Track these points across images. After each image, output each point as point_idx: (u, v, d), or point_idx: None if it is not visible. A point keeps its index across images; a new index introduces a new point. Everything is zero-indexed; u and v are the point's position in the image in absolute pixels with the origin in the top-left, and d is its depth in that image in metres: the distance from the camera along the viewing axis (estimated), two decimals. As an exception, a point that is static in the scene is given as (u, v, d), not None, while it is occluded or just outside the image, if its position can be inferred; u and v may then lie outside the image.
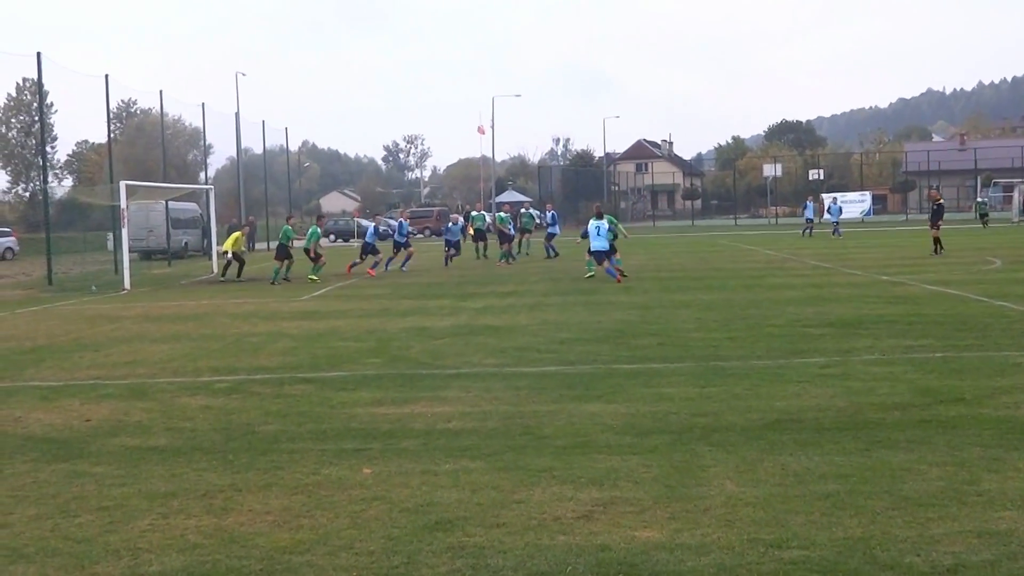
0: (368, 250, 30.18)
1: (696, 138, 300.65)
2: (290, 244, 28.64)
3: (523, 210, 41.63)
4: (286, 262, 28.10)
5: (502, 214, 36.68)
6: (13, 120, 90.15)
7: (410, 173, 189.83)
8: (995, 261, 27.12)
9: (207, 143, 56.53)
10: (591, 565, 5.17)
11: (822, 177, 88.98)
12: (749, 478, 6.65)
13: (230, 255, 29.66)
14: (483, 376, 10.97)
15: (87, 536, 5.90)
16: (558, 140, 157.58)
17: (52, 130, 79.13)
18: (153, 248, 47.11)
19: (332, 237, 66.40)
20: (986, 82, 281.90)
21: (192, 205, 51.58)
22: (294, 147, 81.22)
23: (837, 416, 8.40)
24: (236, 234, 30.57)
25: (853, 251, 34.91)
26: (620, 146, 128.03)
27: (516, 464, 7.18)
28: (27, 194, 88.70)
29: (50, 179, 54.39)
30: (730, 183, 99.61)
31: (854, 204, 75.05)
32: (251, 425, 8.84)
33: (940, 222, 31.05)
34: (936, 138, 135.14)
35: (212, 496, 6.65)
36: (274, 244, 51.06)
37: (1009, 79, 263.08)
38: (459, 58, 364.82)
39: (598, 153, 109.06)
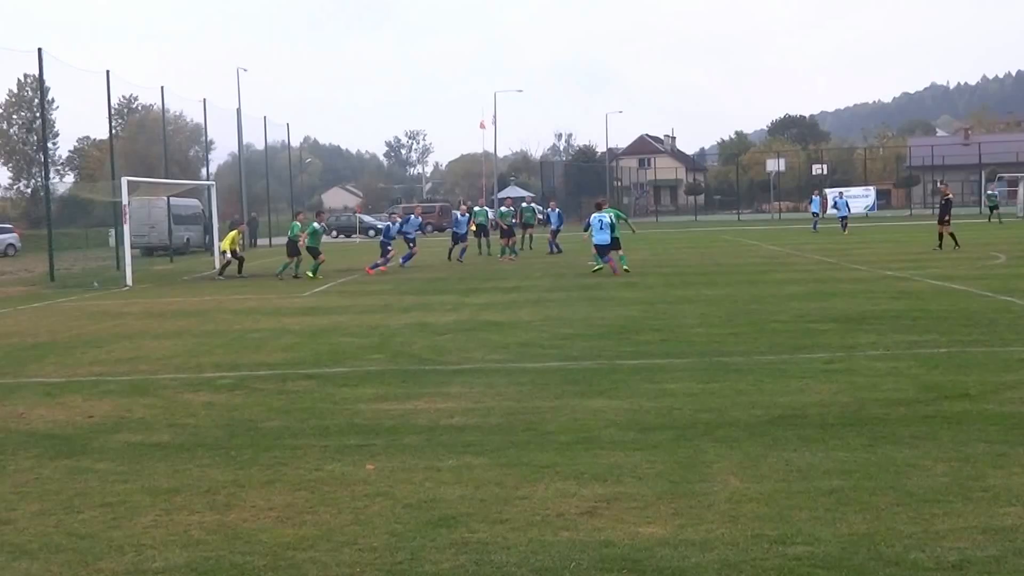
0: (386, 248, 29.80)
1: (699, 133, 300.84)
2: (300, 241, 28.38)
3: (524, 204, 41.54)
4: (296, 258, 28.01)
5: (503, 209, 36.65)
6: (15, 116, 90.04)
7: (412, 169, 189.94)
8: (1000, 256, 27.07)
9: (209, 139, 56.63)
10: (594, 561, 5.16)
11: (825, 172, 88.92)
12: (753, 474, 6.63)
13: (228, 254, 29.62)
14: (486, 372, 10.96)
15: (90, 532, 5.90)
16: (560, 135, 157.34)
17: (54, 126, 79.15)
18: (155, 244, 47.15)
19: (335, 233, 66.41)
20: (990, 76, 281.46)
21: (194, 201, 51.58)
22: (296, 143, 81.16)
23: (841, 412, 8.39)
24: (233, 232, 30.54)
25: (857, 246, 34.87)
26: (623, 141, 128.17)
27: (519, 460, 7.17)
28: (29, 190, 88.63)
29: (52, 175, 54.46)
30: (733, 178, 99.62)
31: (858, 199, 74.92)
32: (254, 421, 8.84)
33: (948, 217, 30.78)
34: (940, 133, 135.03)
35: (215, 492, 6.64)
36: (276, 240, 50.92)
37: (1013, 73, 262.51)
38: (461, 53, 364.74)
39: (600, 148, 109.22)
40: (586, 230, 25.77)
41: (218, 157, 72.40)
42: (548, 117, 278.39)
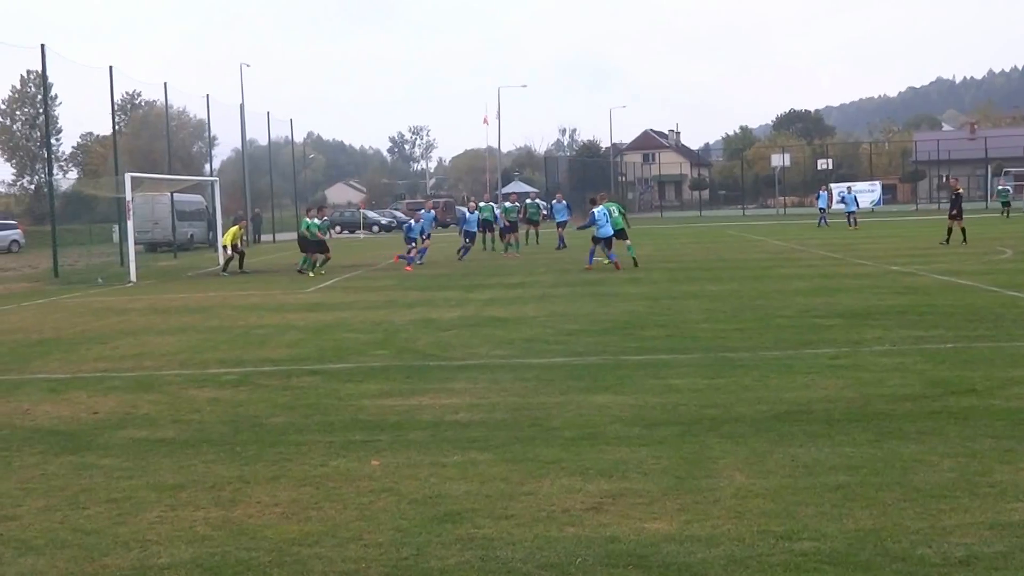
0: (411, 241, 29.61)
1: (703, 128, 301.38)
2: (315, 235, 28.11)
3: (528, 201, 41.49)
4: (314, 254, 27.83)
5: (507, 204, 36.60)
6: (18, 112, 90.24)
7: (415, 164, 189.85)
8: (1006, 251, 27.02)
9: (212, 135, 56.62)
10: (600, 557, 5.15)
11: (831, 167, 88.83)
12: (759, 469, 6.61)
13: (230, 250, 29.58)
14: (491, 368, 10.95)
15: (96, 528, 5.89)
16: (564, 131, 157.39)
17: (57, 122, 79.27)
18: (158, 240, 47.18)
19: (338, 228, 66.37)
20: (996, 70, 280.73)
21: (197, 197, 51.60)
22: (299, 138, 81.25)
23: (847, 407, 8.37)
24: (234, 228, 30.49)
25: (862, 241, 34.80)
26: (627, 136, 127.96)
27: (525, 456, 7.15)
28: (32, 187, 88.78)
29: (55, 171, 54.61)
30: (738, 173, 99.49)
31: (864, 194, 74.79)
32: (259, 417, 8.83)
33: (956, 211, 30.62)
34: (946, 127, 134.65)
35: (220, 488, 6.63)
36: (279, 236, 50.93)
37: (1020, 67, 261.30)
38: (465, 49, 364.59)
39: (605, 143, 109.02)
40: (588, 227, 25.92)
41: (221, 153, 72.50)
42: (552, 112, 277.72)
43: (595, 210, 25.19)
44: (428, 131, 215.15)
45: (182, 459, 7.44)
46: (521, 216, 37.25)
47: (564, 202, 38.02)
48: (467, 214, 34.31)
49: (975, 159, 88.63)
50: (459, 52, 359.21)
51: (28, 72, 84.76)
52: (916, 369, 9.98)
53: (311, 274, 27.14)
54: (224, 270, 29.39)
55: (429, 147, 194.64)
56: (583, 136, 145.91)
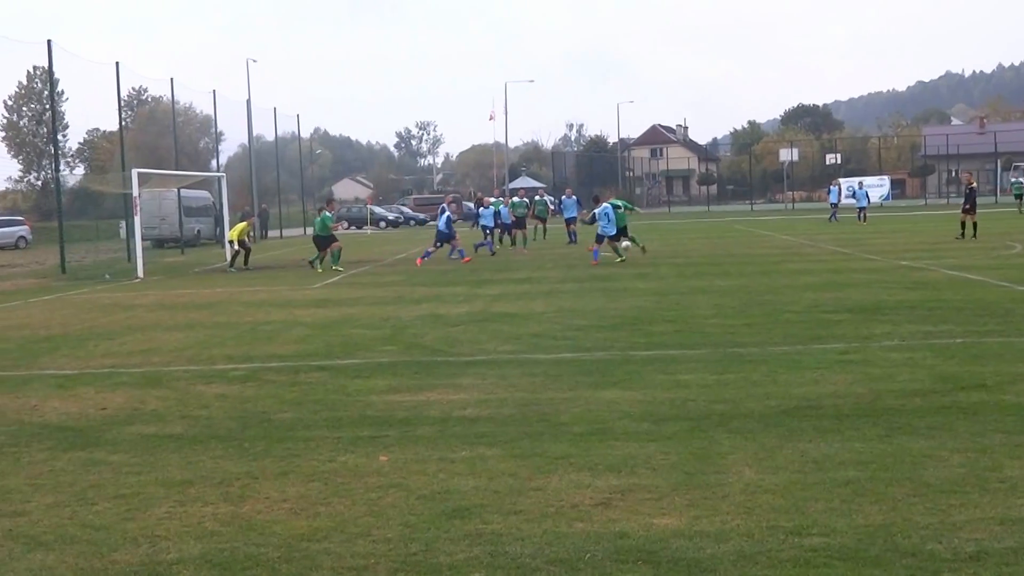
0: (443, 237, 29.36)
1: (711, 123, 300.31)
2: (329, 230, 27.88)
3: (537, 197, 41.43)
4: (334, 247, 27.65)
5: (515, 199, 36.56)
6: (24, 108, 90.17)
7: (422, 160, 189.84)
8: (1016, 245, 26.93)
9: (218, 131, 56.66)
10: (609, 552, 5.13)
11: (839, 161, 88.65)
12: (768, 465, 6.59)
13: (236, 244, 29.56)
14: (499, 363, 10.94)
15: (105, 524, 5.90)
16: (572, 125, 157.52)
17: (63, 118, 78.97)
18: (166, 236, 47.24)
19: (346, 224, 66.44)
20: (1006, 64, 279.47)
21: (204, 193, 51.65)
22: (306, 134, 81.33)
23: (856, 402, 8.34)
24: (242, 224, 30.45)
25: (871, 236, 34.73)
26: (634, 131, 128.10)
27: (533, 451, 7.14)
28: (39, 183, 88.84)
29: (62, 167, 54.54)
30: (746, 168, 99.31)
31: (872, 189, 74.66)
32: (267, 413, 8.83)
33: (970, 205, 30.51)
34: (955, 121, 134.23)
35: (229, 484, 6.63)
36: (287, 232, 50.91)
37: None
38: (472, 44, 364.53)
39: (612, 138, 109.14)
40: (592, 222, 26.35)
41: (228, 149, 72.66)
42: (559, 107, 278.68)
43: (596, 210, 25.76)
44: (435, 126, 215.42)
45: (190, 455, 7.44)
46: (530, 212, 37.20)
47: (574, 197, 37.90)
48: (482, 209, 34.38)
49: (984, 153, 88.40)
50: (466, 47, 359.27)
51: (34, 68, 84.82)
52: (926, 364, 9.94)
53: (335, 268, 27.00)
54: (231, 266, 29.42)
55: (436, 143, 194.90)
56: (590, 131, 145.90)
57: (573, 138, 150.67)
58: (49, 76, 36.61)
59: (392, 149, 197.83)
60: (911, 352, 10.64)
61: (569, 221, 36.60)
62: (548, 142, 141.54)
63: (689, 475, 6.42)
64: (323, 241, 27.62)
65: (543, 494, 6.14)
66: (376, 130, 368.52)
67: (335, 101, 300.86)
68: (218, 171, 46.74)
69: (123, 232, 39.56)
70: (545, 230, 39.39)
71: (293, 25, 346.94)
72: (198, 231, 49.79)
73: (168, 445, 7.78)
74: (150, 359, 12.23)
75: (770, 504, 5.79)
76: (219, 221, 42.44)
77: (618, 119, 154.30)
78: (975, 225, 30.15)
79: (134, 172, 29.44)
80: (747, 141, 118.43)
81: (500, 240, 35.57)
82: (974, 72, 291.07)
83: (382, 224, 69.63)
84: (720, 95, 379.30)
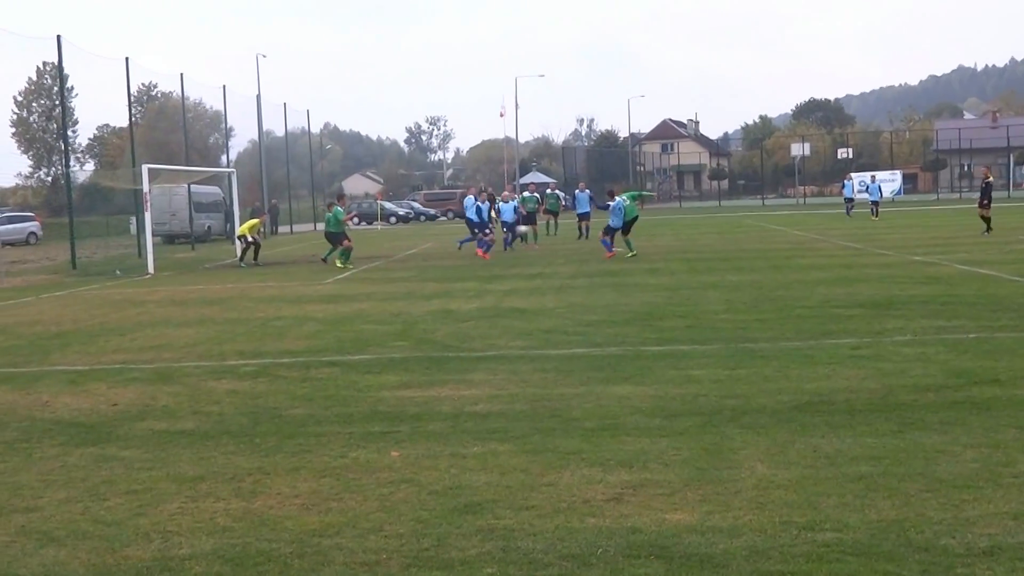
0: (480, 228, 29.13)
1: (723, 117, 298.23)
2: (341, 224, 27.70)
3: (549, 191, 41.34)
4: (345, 245, 27.56)
5: (526, 195, 36.49)
6: (34, 104, 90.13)
7: (432, 155, 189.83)
8: (1026, 240, 26.81)
9: (228, 126, 56.76)
10: (622, 548, 5.12)
11: (851, 156, 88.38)
12: (780, 460, 6.57)
13: (249, 238, 29.52)
14: (510, 359, 10.93)
15: (117, 519, 5.91)
16: (582, 120, 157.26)
17: (73, 114, 79.10)
18: (176, 232, 47.32)
19: (356, 220, 66.45)
20: (1019, 58, 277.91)
21: (214, 188, 51.67)
22: (316, 129, 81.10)
23: (869, 398, 8.31)
24: (253, 221, 30.44)
25: (883, 231, 34.62)
26: (645, 126, 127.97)
27: (545, 447, 7.13)
28: (49, 179, 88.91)
29: (72, 163, 54.60)
30: (757, 163, 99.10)
31: (884, 183, 74.41)
32: (278, 409, 8.84)
33: (987, 200, 30.39)
34: (967, 116, 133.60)
35: (240, 479, 6.64)
36: (296, 227, 50.93)
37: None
38: (482, 38, 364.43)
39: (623, 133, 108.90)
40: (604, 208, 27.02)
41: (238, 144, 72.63)
42: (570, 102, 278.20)
43: (611, 203, 26.01)
44: (445, 121, 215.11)
45: (202, 451, 7.45)
46: (540, 208, 37.09)
47: (587, 192, 37.56)
48: (501, 205, 34.09)
49: (997, 148, 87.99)
50: (476, 41, 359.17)
51: (44, 64, 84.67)
52: (938, 359, 9.91)
53: (344, 265, 26.79)
54: (241, 261, 29.42)
55: (446, 138, 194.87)
56: (601, 126, 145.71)
57: (584, 133, 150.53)
58: (59, 72, 36.65)
59: (402, 144, 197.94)
60: (924, 347, 10.60)
61: (582, 216, 36.38)
62: (559, 137, 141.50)
63: (701, 470, 6.41)
64: (336, 237, 27.56)
65: (555, 489, 6.13)
66: (386, 125, 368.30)
67: (345, 96, 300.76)
68: (228, 167, 46.75)
69: (133, 228, 39.69)
70: (556, 225, 39.34)
71: (303, 20, 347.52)
72: (208, 227, 49.83)
73: (180, 441, 7.79)
74: (161, 355, 12.25)
75: (782, 499, 5.77)
76: (229, 217, 42.50)
77: (629, 114, 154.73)
78: (986, 219, 30.01)
79: (144, 168, 29.52)
80: (758, 136, 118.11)
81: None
82: (986, 66, 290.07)
83: (392, 220, 69.65)
84: (731, 90, 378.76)
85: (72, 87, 68.22)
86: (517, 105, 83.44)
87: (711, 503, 5.76)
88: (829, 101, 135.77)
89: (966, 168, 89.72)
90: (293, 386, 9.86)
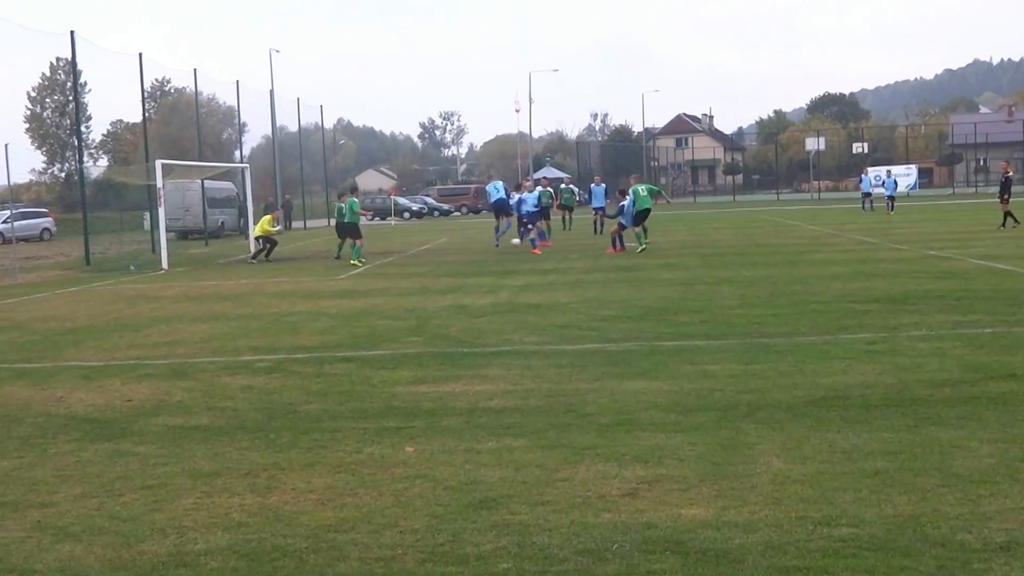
0: (531, 219, 28.72)
1: (737, 112, 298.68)
2: (356, 216, 27.53)
3: (563, 186, 41.25)
4: (358, 242, 27.45)
5: (541, 189, 36.35)
6: (48, 100, 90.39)
7: (446, 150, 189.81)
8: (1043, 234, 26.66)
9: (242, 121, 56.85)
10: (637, 543, 5.11)
11: (866, 151, 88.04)
12: (796, 455, 6.55)
13: (262, 240, 29.48)
14: (524, 354, 10.91)
15: (132, 515, 5.92)
16: (596, 115, 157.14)
17: (86, 110, 79.33)
18: (189, 228, 47.41)
19: (370, 215, 66.51)
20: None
21: (228, 184, 51.74)
22: (329, 124, 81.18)
23: (885, 393, 8.27)
24: (266, 217, 30.42)
25: (899, 226, 34.48)
26: (659, 121, 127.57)
27: (560, 442, 7.12)
28: (63, 174, 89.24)
29: (85, 159, 54.91)
30: (772, 157, 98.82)
31: (900, 178, 74.06)
32: (292, 404, 8.85)
33: (1007, 195, 30.23)
34: (983, 110, 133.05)
35: (255, 475, 6.65)
36: (310, 223, 50.90)
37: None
38: (496, 33, 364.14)
39: (637, 128, 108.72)
40: (617, 215, 26.46)
41: (251, 139, 72.95)
42: (584, 97, 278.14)
43: (623, 203, 26.00)
44: (459, 116, 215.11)
45: (216, 446, 7.47)
46: (555, 202, 36.99)
47: (603, 186, 37.31)
48: (526, 195, 33.75)
49: (1013, 142, 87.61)
50: (490, 36, 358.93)
51: (57, 59, 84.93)
52: (954, 354, 9.85)
53: (354, 262, 26.74)
54: (253, 258, 29.40)
55: (460, 133, 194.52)
56: (615, 121, 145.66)
57: (598, 128, 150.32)
58: (72, 67, 36.75)
59: (415, 139, 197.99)
60: (940, 342, 10.55)
61: (597, 210, 36.25)
62: (573, 132, 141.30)
63: (716, 465, 6.38)
64: (351, 229, 27.20)
65: (570, 485, 6.12)
66: (399, 120, 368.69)
67: (358, 91, 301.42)
68: (241, 162, 46.78)
69: (147, 223, 39.75)
70: (571, 220, 39.28)
71: (316, 15, 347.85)
72: (222, 222, 49.89)
73: (194, 436, 7.81)
74: (175, 350, 12.27)
75: (798, 494, 5.75)
76: (243, 212, 42.54)
77: (643, 108, 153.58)
78: (1006, 215, 29.85)
79: (158, 163, 29.53)
80: (773, 130, 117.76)
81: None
82: (1002, 60, 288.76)
83: (406, 215, 69.68)
84: (746, 84, 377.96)
85: (85, 83, 68.46)
86: (531, 100, 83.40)
87: (726, 498, 5.74)
88: (844, 95, 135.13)
89: (982, 162, 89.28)
90: (307, 382, 9.87)
